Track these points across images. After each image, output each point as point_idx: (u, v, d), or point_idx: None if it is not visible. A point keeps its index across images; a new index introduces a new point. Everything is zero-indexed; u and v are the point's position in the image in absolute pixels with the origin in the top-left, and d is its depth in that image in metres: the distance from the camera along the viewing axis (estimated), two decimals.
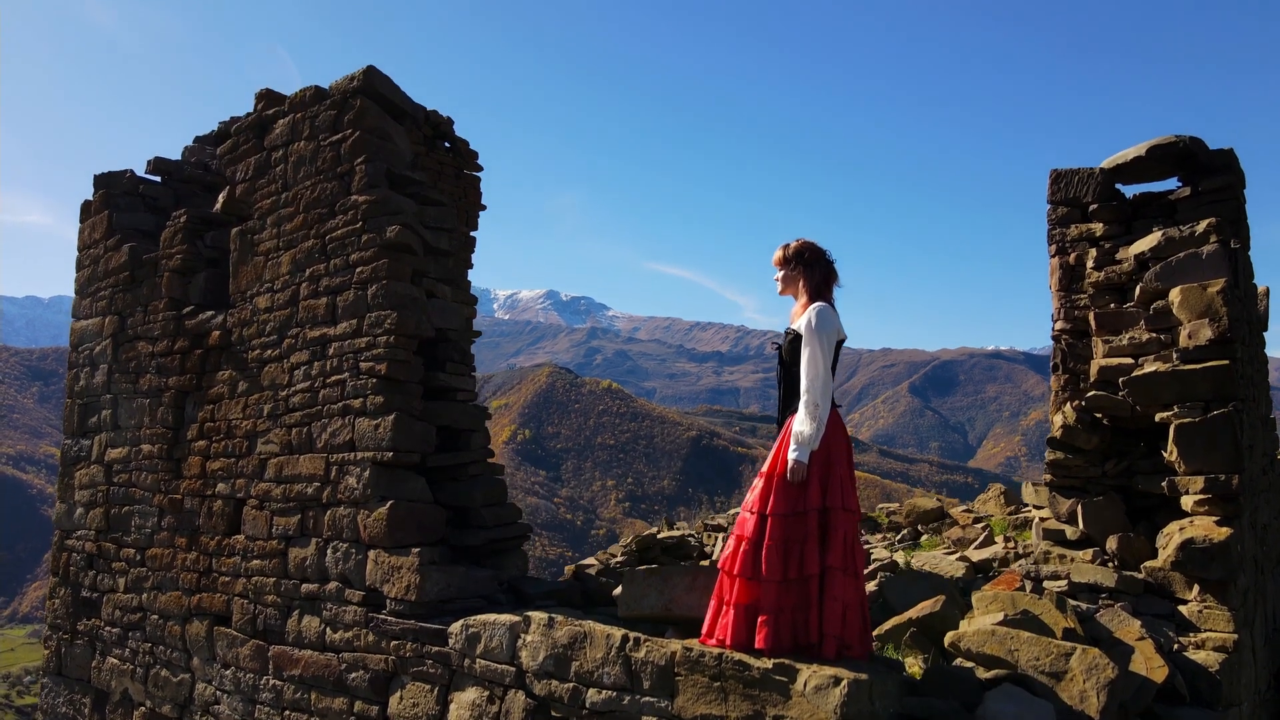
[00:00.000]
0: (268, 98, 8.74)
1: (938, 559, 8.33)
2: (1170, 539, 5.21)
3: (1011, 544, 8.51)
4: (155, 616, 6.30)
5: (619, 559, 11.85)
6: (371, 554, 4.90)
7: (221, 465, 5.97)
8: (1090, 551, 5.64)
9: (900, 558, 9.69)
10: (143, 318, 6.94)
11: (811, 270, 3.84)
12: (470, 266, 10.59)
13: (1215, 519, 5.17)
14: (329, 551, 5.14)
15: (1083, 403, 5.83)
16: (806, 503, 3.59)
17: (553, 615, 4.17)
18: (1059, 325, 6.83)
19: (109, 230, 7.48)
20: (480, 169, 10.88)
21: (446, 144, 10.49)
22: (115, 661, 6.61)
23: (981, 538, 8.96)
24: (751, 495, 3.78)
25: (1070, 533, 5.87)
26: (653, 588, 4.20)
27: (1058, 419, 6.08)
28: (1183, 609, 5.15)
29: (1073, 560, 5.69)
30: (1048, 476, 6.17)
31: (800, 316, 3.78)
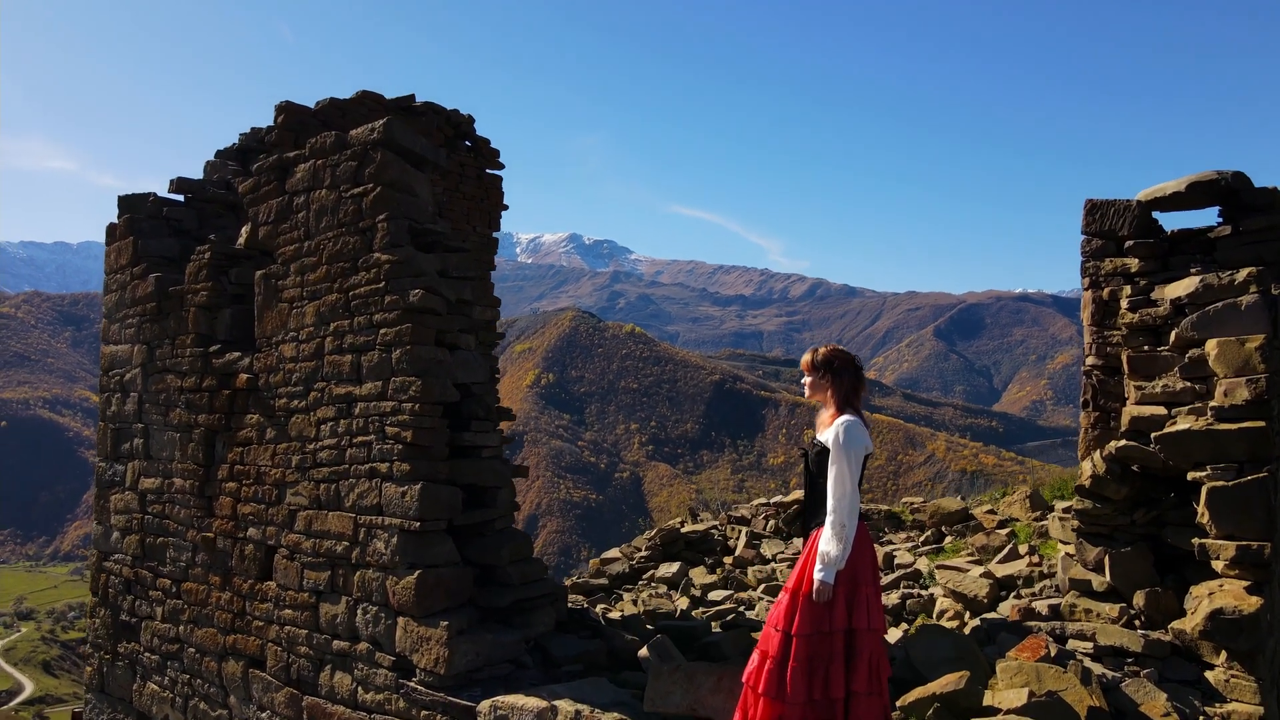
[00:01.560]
0: (287, 111, 8.65)
1: (961, 577, 8.35)
2: (1199, 604, 5.18)
3: (1036, 559, 8.51)
4: (193, 650, 6.48)
5: (643, 553, 11.99)
6: (401, 620, 4.98)
7: (252, 510, 6.06)
8: (1117, 608, 5.63)
9: (924, 564, 9.75)
10: (171, 350, 6.99)
11: (840, 379, 3.79)
12: (493, 268, 10.55)
13: (1245, 585, 5.13)
14: (359, 612, 5.24)
15: (1113, 452, 5.76)
16: (832, 623, 3.60)
17: (579, 708, 4.24)
18: (1090, 360, 6.72)
19: (135, 257, 7.50)
20: (502, 167, 10.77)
21: (467, 143, 10.37)
22: (155, 688, 6.82)
23: (1006, 549, 8.95)
24: (776, 610, 3.79)
25: (1097, 583, 5.86)
26: (678, 685, 4.25)
27: (1086, 467, 6.01)
28: (1209, 675, 5.14)
29: (1099, 616, 5.69)
30: (1075, 523, 6.13)
31: (828, 428, 3.75)
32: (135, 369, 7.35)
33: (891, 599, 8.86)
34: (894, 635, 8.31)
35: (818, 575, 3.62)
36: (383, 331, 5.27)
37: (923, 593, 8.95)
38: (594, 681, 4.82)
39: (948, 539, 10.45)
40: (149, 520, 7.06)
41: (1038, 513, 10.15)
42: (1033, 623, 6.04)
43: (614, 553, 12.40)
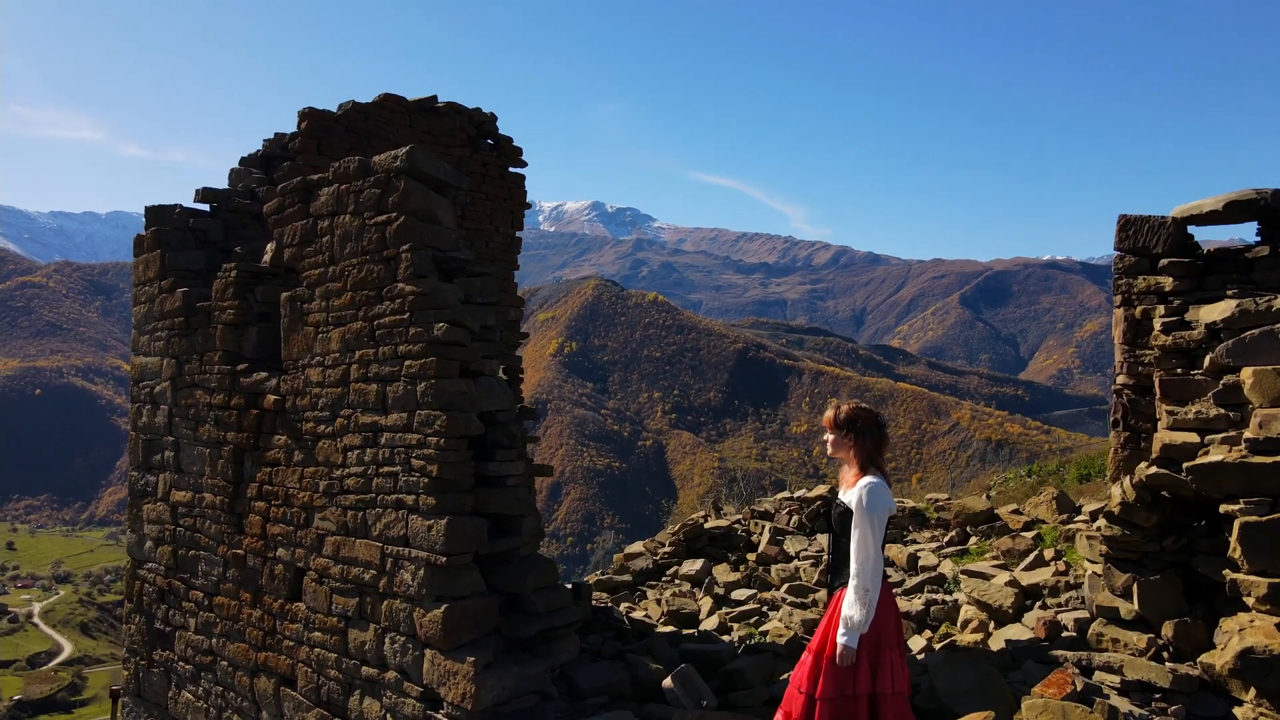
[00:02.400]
0: (309, 117, 8.63)
1: (986, 585, 8.33)
2: (1229, 639, 5.14)
3: (1062, 567, 8.46)
4: (225, 663, 6.61)
5: (666, 549, 12.05)
6: (429, 653, 5.04)
7: (281, 531, 6.14)
8: (1145, 638, 5.60)
9: (948, 568, 9.72)
10: (199, 366, 7.06)
11: (863, 439, 3.76)
12: (516, 268, 10.54)
13: (1277, 622, 5.07)
14: (387, 640, 5.31)
15: (1143, 480, 5.69)
16: (856, 687, 3.61)
17: None
18: (1121, 379, 6.62)
19: (162, 271, 7.55)
20: (524, 165, 10.72)
21: (490, 141, 10.31)
22: (190, 697, 6.98)
23: (1032, 555, 8.90)
24: (800, 671, 3.80)
25: (1125, 610, 5.82)
26: None
27: (1115, 492, 5.95)
28: (1238, 711, 5.11)
29: (1126, 646, 5.65)
30: (1103, 548, 6.08)
31: (852, 489, 3.73)
32: (165, 382, 7.43)
33: (915, 604, 8.85)
34: (917, 643, 8.33)
35: (841, 639, 3.62)
36: (407, 363, 5.29)
37: (947, 598, 8.94)
38: (619, 716, 4.87)
39: (972, 540, 10.41)
40: (180, 533, 7.19)
41: (1064, 515, 10.07)
42: (1059, 652, 6.00)
43: (637, 547, 12.48)
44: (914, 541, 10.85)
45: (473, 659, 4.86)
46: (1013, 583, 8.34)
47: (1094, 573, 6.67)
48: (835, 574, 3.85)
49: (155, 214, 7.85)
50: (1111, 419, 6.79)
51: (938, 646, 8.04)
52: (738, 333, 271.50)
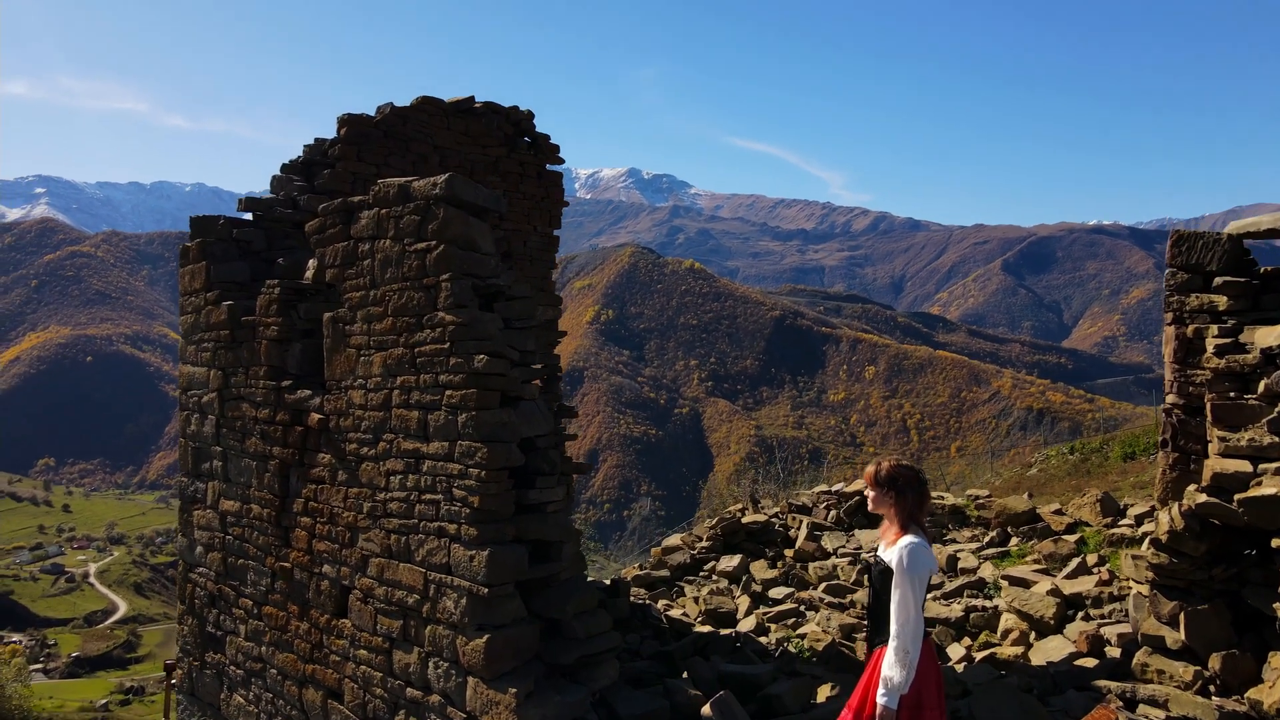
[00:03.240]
0: (349, 123, 8.66)
1: (1027, 594, 8.26)
2: (1278, 676, 5.05)
3: (1105, 576, 8.35)
4: (274, 671, 6.80)
5: (704, 543, 12.11)
6: (471, 680, 5.14)
7: (326, 549, 6.26)
8: (1191, 670, 5.52)
9: (988, 571, 9.64)
10: (244, 379, 7.18)
11: (904, 497, 3.73)
12: (554, 267, 10.53)
13: None
14: (431, 665, 5.41)
15: (1192, 508, 5.58)
16: None
17: None
18: (1171, 399, 6.47)
19: (208, 283, 7.67)
20: (561, 162, 10.68)
21: (526, 139, 10.27)
22: (241, 700, 7.20)
23: (1075, 562, 8.80)
24: None
25: (1171, 640, 5.74)
26: None
27: (1163, 519, 5.84)
28: None
29: (1171, 679, 5.59)
30: (1150, 575, 5.99)
31: (893, 547, 3.71)
32: (212, 393, 7.58)
33: (954, 610, 8.81)
34: (956, 652, 8.31)
35: (881, 700, 3.62)
36: (448, 394, 5.33)
37: (986, 604, 8.88)
38: None
39: (1013, 541, 10.31)
40: (230, 541, 7.36)
41: (1109, 519, 9.93)
42: (1102, 682, 5.94)
43: (675, 540, 12.55)
44: (953, 541, 10.78)
45: (514, 690, 4.94)
46: (1054, 591, 8.27)
47: (1139, 592, 6.59)
48: (875, 631, 3.85)
49: (200, 225, 7.95)
50: (1160, 438, 6.65)
51: (977, 656, 8.02)
52: (775, 300, 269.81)
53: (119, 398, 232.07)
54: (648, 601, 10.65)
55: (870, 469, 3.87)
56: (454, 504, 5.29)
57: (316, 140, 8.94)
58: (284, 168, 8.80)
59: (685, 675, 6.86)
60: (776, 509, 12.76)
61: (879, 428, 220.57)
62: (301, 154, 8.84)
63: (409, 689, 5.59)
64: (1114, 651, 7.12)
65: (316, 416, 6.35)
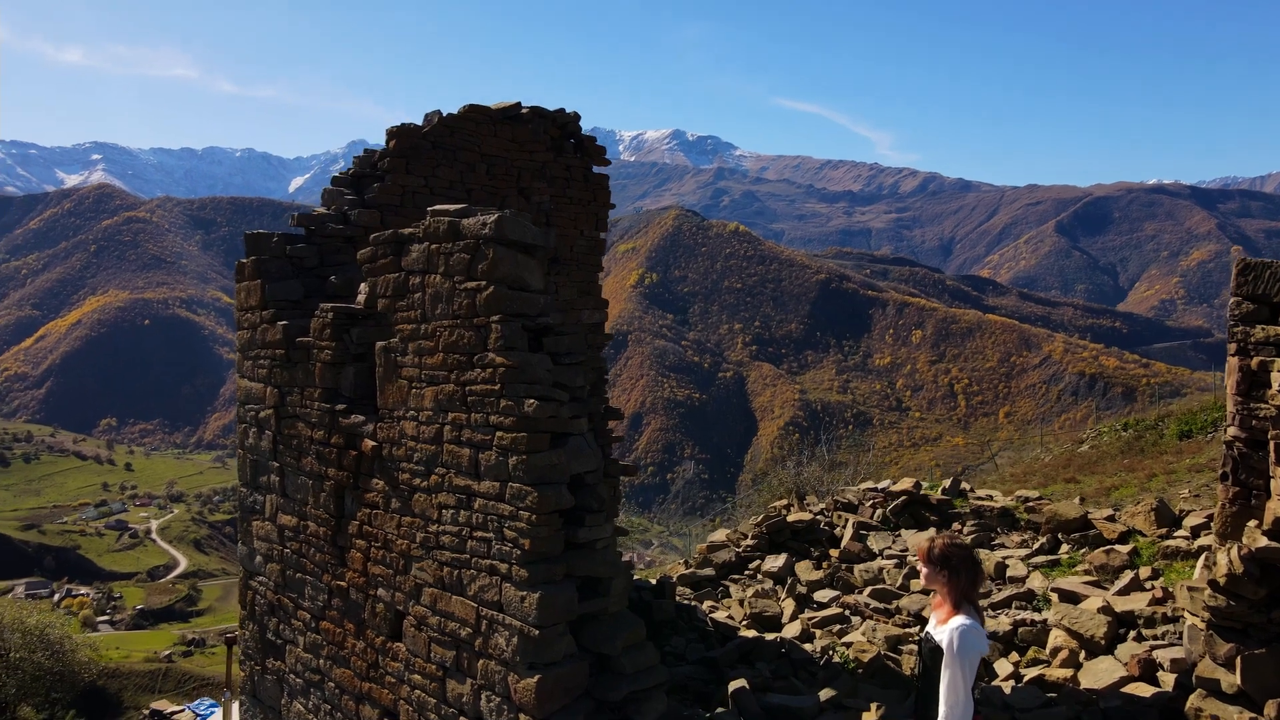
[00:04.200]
0: (398, 135, 8.72)
1: (1077, 612, 8.17)
2: None
3: (1159, 593, 8.23)
4: (332, 685, 7.03)
5: (749, 541, 12.16)
6: (522, 717, 5.26)
7: (381, 573, 6.42)
8: (1246, 717, 5.45)
9: (1038, 582, 9.56)
10: (300, 398, 7.34)
11: (956, 577, 3.72)
12: (601, 270, 10.54)
13: None
14: (483, 698, 5.56)
15: (1252, 552, 5.47)
16: None
17: None
18: (1232, 431, 6.31)
19: (263, 301, 7.82)
20: (608, 163, 10.64)
21: (572, 141, 10.24)
22: (301, 709, 7.46)
23: (1128, 576, 8.68)
24: None
25: (1226, 683, 5.67)
26: None
27: (1221, 561, 5.73)
28: None
29: None
30: (1206, 615, 5.89)
31: (944, 626, 3.70)
32: (269, 410, 7.76)
33: (1003, 623, 8.76)
34: (1004, 668, 8.28)
35: None
36: (499, 435, 5.40)
37: (1035, 617, 8.82)
38: None
39: (1064, 548, 10.19)
40: (288, 555, 7.59)
41: (1164, 529, 9.76)
42: None
43: (720, 536, 12.61)
44: (1002, 546, 10.68)
45: None
46: (1106, 609, 8.17)
47: (1193, 625, 6.50)
48: (924, 709, 3.86)
49: (254, 242, 8.09)
50: (1220, 471, 6.50)
51: (1025, 674, 7.99)
52: (820, 263, 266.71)
53: (175, 360, 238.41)
54: (693, 602, 10.76)
55: (923, 545, 3.86)
56: (505, 544, 5.39)
57: (366, 151, 9.02)
58: (334, 180, 8.89)
59: (730, 706, 6.94)
60: (822, 506, 12.75)
61: (925, 392, 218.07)
62: (351, 165, 8.92)
63: (462, 718, 5.74)
64: (1166, 678, 7.05)
65: (370, 443, 6.48)
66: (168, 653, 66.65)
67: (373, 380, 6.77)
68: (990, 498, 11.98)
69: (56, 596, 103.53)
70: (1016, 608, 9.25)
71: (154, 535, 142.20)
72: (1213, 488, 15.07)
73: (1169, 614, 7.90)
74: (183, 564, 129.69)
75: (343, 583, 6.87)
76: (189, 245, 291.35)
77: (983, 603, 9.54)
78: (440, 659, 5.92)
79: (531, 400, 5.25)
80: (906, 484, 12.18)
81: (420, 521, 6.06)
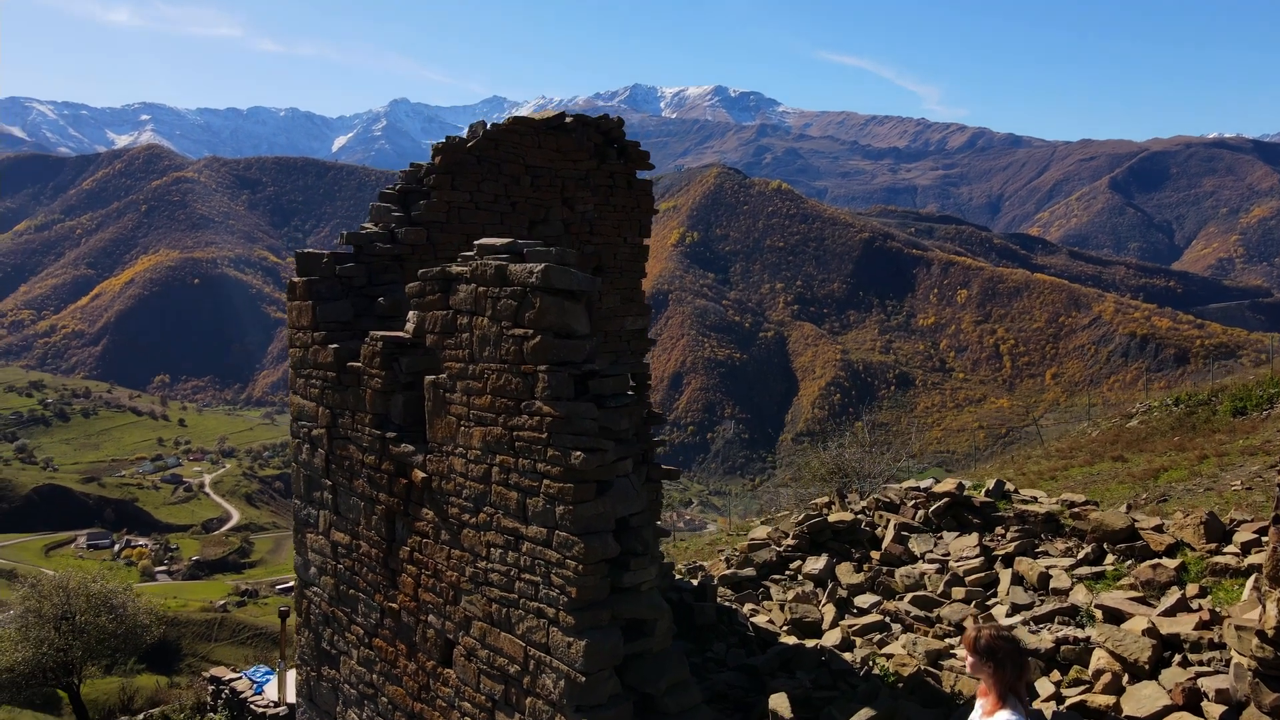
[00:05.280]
0: (444, 151, 8.77)
1: (1121, 634, 8.14)
2: None
3: (1206, 616, 8.16)
4: (385, 700, 7.29)
5: (790, 540, 12.25)
6: None
7: (431, 600, 6.62)
8: None
9: (1082, 596, 9.52)
10: (351, 422, 7.52)
11: (1002, 670, 3.75)
12: (644, 275, 10.56)
13: None
14: None
15: None
16: None
17: None
18: None
19: (314, 322, 7.98)
20: (651, 168, 10.62)
21: (616, 146, 10.21)
22: (355, 718, 7.76)
23: (1174, 596, 8.61)
24: None
25: None
26: None
27: (1271, 613, 5.67)
28: None
29: None
30: (1253, 663, 5.85)
31: (989, 717, 3.74)
32: (321, 429, 7.97)
33: (1045, 640, 8.76)
34: (1045, 688, 8.30)
35: None
36: (546, 483, 5.51)
37: (1078, 634, 8.80)
38: None
39: (1109, 559, 10.13)
40: (340, 570, 7.83)
41: (1213, 544, 9.64)
42: None
43: (761, 532, 12.73)
44: (1045, 554, 10.62)
45: None
46: (1151, 631, 8.13)
47: (1239, 663, 6.47)
48: None
49: (305, 261, 8.23)
50: (1274, 514, 6.39)
51: (1067, 696, 8.01)
52: (864, 221, 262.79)
53: (225, 318, 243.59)
54: (734, 605, 10.91)
55: (969, 634, 3.89)
56: (552, 589, 5.52)
57: (413, 166, 9.09)
58: (381, 196, 8.99)
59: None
60: (864, 504, 12.77)
61: (970, 353, 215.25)
62: (399, 181, 9.01)
63: None
64: (1212, 709, 7.03)
65: (420, 474, 6.64)
66: (222, 603, 69.20)
67: (421, 408, 6.91)
68: (1034, 500, 11.90)
69: (116, 547, 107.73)
70: (1059, 622, 9.24)
71: (207, 489, 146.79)
72: (1265, 477, 14.77)
73: (1215, 640, 7.84)
74: (235, 517, 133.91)
75: (394, 605, 7.08)
76: (236, 205, 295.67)
77: (1025, 614, 9.56)
78: (490, 691, 6.11)
79: (578, 453, 5.33)
80: (949, 484, 12.14)
81: (469, 556, 6.22)
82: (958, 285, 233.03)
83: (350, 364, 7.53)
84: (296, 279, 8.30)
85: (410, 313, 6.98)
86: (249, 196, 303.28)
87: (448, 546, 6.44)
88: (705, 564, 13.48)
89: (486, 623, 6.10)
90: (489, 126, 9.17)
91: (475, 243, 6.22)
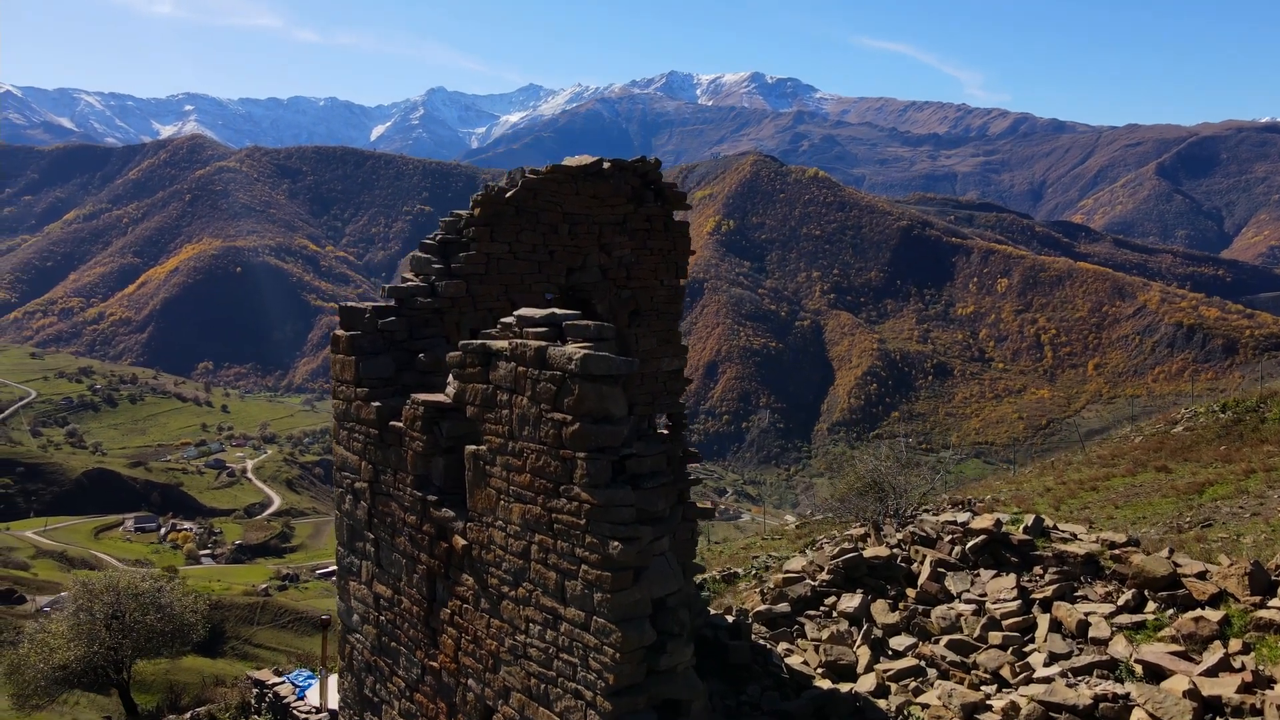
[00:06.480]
0: (483, 203, 8.87)
1: (1161, 695, 8.07)
2: None
3: (1249, 678, 8.05)
4: None
5: (825, 575, 12.25)
6: None
7: (471, 665, 6.76)
8: None
9: (1121, 648, 9.41)
10: (393, 479, 7.67)
11: None
12: (681, 317, 10.59)
13: None
14: None
15: None
16: None
17: None
18: None
19: (356, 378, 8.14)
20: (688, 208, 10.62)
21: (653, 189, 10.23)
22: None
23: (1217, 653, 8.49)
24: None
25: None
26: None
27: None
28: None
29: None
30: None
31: None
32: (364, 483, 8.14)
33: (1083, 696, 8.69)
34: None
35: None
36: (584, 569, 5.60)
37: (1117, 690, 8.71)
38: None
39: (1149, 606, 10.00)
40: (383, 622, 8.01)
41: (1257, 596, 9.48)
42: None
43: (796, 565, 12.74)
44: (1085, 599, 10.51)
45: None
46: (1192, 693, 8.06)
47: None
48: None
49: (348, 316, 8.39)
50: None
51: None
52: (902, 209, 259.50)
53: (266, 306, 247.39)
54: (769, 645, 10.95)
55: None
56: (590, 672, 5.62)
57: (453, 215, 9.20)
58: (422, 246, 9.11)
59: None
60: (899, 538, 12.71)
61: (1010, 343, 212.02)
62: (439, 231, 9.12)
63: None
64: None
65: (461, 542, 6.77)
66: (264, 586, 70.65)
67: (461, 472, 7.03)
68: (1074, 538, 11.77)
69: (163, 530, 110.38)
70: (1098, 675, 9.15)
71: (249, 474, 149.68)
72: None
73: (1258, 706, 7.75)
74: (276, 502, 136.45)
75: (435, 664, 7.24)
76: (277, 194, 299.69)
77: (1063, 664, 9.49)
78: None
79: (616, 543, 5.42)
80: (987, 521, 12.04)
81: (508, 628, 6.34)
82: (998, 274, 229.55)
83: (393, 423, 7.67)
84: (340, 332, 8.46)
85: (451, 378, 7.10)
86: (289, 185, 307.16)
87: (487, 615, 6.57)
88: (737, 572, 13.51)
89: (525, 695, 6.22)
90: (527, 174, 9.25)
91: (515, 313, 6.33)
